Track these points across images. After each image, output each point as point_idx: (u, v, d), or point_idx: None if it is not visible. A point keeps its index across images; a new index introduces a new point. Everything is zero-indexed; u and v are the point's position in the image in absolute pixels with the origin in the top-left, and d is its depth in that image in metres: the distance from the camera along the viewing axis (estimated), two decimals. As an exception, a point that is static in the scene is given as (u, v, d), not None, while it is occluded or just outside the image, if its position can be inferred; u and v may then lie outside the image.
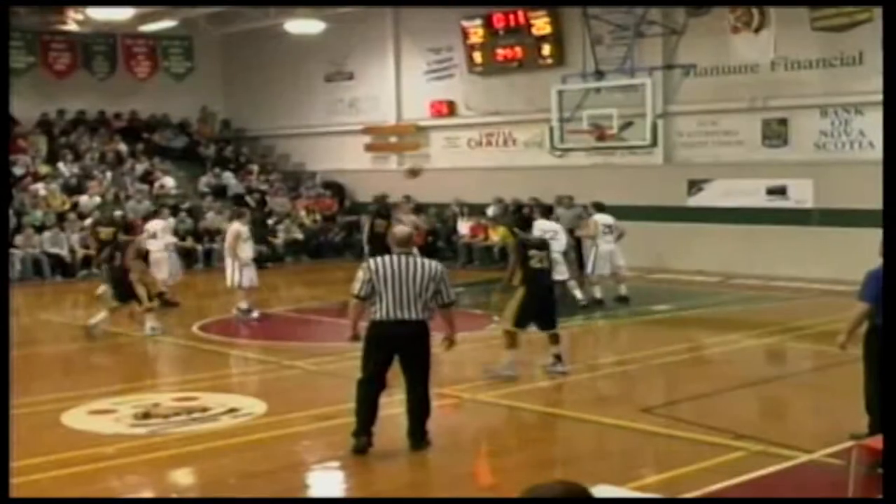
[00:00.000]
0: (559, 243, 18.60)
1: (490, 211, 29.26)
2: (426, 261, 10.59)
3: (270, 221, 31.76)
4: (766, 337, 17.36)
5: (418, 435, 10.49)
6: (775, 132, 25.47)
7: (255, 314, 20.11)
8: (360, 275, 10.40)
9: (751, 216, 25.32)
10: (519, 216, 15.34)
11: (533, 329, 14.24)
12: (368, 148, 34.32)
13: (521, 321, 13.88)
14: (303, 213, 33.15)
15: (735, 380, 13.84)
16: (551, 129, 26.25)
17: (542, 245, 14.36)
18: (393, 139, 34.01)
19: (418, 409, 10.51)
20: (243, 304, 20.22)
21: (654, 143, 25.26)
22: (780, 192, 25.17)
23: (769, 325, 18.33)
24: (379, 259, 10.47)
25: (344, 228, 33.09)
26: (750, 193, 25.51)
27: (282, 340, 18.01)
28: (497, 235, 28.30)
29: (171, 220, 23.61)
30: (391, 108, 33.76)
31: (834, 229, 23.76)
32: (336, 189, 35.16)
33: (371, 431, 10.28)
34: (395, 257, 10.37)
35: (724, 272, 24.70)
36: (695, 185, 26.64)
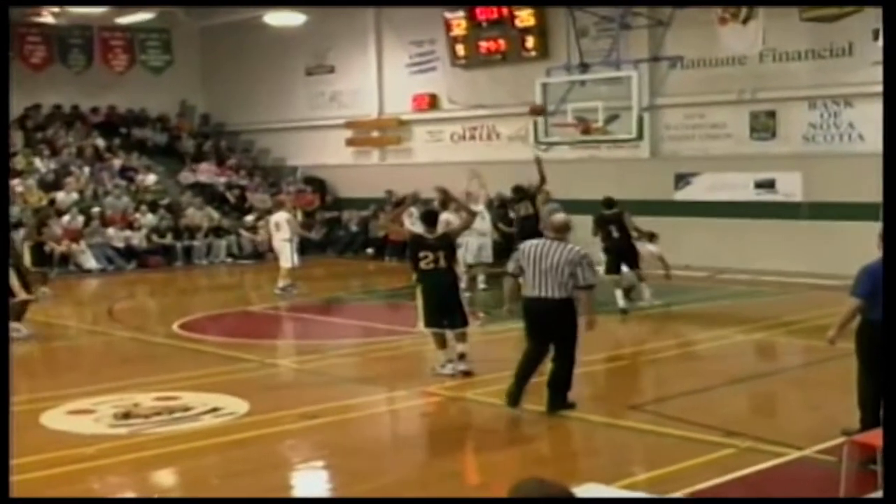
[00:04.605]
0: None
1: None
2: (569, 246, 11.53)
3: (250, 218, 31.69)
4: (756, 332, 17.40)
5: (555, 401, 11.62)
6: (763, 125, 25.54)
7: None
8: (514, 254, 11.87)
9: (739, 210, 25.37)
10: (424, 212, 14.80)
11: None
12: (350, 142, 34.31)
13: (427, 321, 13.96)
14: (283, 208, 33.06)
15: (724, 376, 13.85)
16: (535, 123, 26.24)
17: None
18: (375, 133, 33.99)
19: (553, 380, 11.66)
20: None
21: (640, 137, 25.26)
22: (769, 185, 25.23)
23: (758, 320, 18.38)
24: (530, 241, 11.89)
25: (325, 224, 33.06)
26: (738, 187, 25.57)
27: (263, 338, 17.98)
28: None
29: (293, 214, 25.18)
30: (373, 102, 33.76)
31: (823, 223, 23.84)
32: (317, 184, 35.14)
33: (522, 390, 11.63)
34: (542, 241, 11.70)
35: (713, 267, 24.74)
36: (682, 179, 26.69)
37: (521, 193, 22.98)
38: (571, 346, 11.66)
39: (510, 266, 11.87)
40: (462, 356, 13.71)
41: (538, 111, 25.79)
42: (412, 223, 20.01)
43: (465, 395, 12.88)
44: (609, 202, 20.29)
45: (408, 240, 14.57)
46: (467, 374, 13.59)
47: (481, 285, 22.76)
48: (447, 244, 13.80)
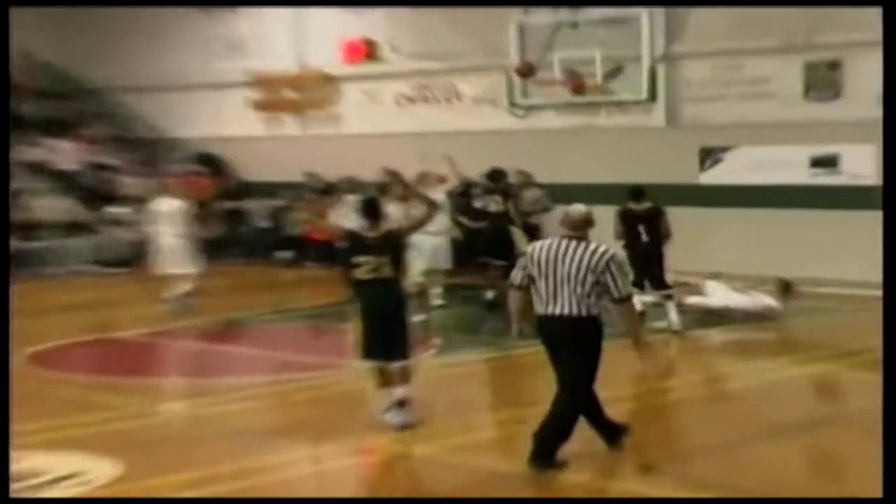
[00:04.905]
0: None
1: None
2: (591, 247, 11.68)
3: (121, 210, 31.56)
4: (812, 364, 17.50)
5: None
6: (823, 80, 25.62)
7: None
8: (521, 261, 12.06)
9: (788, 197, 25.51)
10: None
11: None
12: (258, 106, 34.28)
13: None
14: (163, 197, 32.98)
15: (769, 423, 13.93)
16: (510, 80, 26.27)
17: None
18: (291, 94, 33.95)
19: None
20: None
21: (652, 98, 25.40)
22: (831, 163, 25.35)
23: (815, 347, 18.50)
24: (541, 243, 12.06)
25: (224, 219, 32.93)
26: (788, 166, 25.69)
27: (141, 376, 17.91)
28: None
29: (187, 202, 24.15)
30: (288, 51, 33.76)
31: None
32: (213, 164, 35.02)
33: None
34: (556, 241, 11.80)
35: (752, 275, 24.65)
36: (710, 155, 26.80)
37: (497, 183, 22.99)
38: (582, 381, 11.80)
39: (516, 276, 11.99)
40: (402, 403, 13.41)
41: (526, 71, 25.71)
42: (346, 217, 19.88)
43: (416, 451, 12.85)
44: (637, 191, 20.08)
45: (338, 239, 14.36)
46: (406, 427, 13.38)
47: (437, 301, 22.76)
48: (393, 245, 13.58)
